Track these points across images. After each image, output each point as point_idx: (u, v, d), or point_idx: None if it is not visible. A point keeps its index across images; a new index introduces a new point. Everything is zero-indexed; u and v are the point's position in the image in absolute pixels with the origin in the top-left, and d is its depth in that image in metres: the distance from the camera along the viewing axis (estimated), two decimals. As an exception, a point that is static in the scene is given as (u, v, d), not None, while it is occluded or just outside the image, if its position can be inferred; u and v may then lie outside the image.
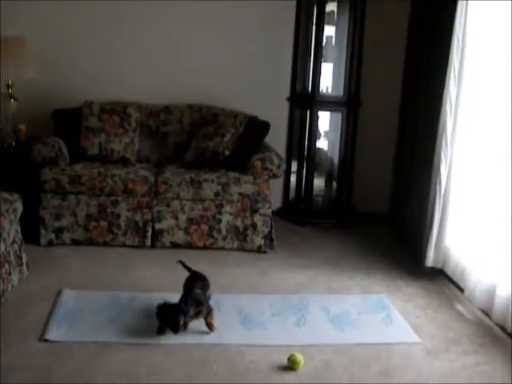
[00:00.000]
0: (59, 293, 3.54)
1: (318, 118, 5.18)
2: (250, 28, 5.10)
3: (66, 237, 4.33)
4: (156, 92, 5.02)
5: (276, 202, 5.17)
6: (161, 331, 3.10)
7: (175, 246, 4.39)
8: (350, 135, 5.15)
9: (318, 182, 5.36)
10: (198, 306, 3.15)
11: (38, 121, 4.80)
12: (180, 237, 4.39)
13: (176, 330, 3.03)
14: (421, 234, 4.23)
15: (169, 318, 3.05)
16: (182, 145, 4.80)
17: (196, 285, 3.27)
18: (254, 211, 4.42)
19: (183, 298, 3.14)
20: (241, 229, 4.43)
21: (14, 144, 4.66)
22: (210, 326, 3.19)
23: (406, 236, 4.66)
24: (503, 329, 3.34)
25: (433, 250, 4.07)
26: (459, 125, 3.92)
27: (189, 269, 3.44)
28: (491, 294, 3.46)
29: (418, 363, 3.02)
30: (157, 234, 4.38)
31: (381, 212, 5.21)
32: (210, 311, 3.21)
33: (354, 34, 4.99)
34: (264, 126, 4.76)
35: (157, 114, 4.88)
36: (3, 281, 3.36)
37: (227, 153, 4.55)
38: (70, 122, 4.67)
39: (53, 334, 3.06)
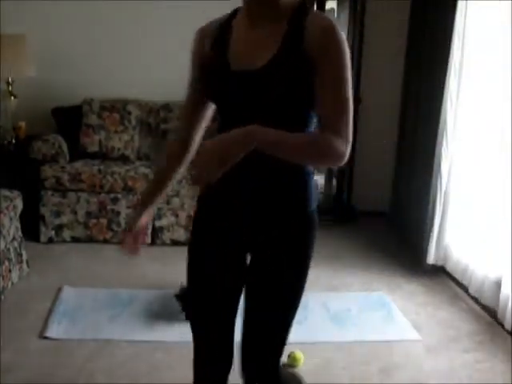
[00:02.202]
0: (59, 290, 3.54)
1: (318, 115, 5.17)
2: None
3: (66, 234, 4.33)
4: (156, 89, 5.01)
5: (276, 199, 5.16)
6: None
7: (175, 243, 4.39)
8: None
9: (318, 180, 5.36)
10: None
11: (38, 118, 4.80)
12: (180, 234, 4.39)
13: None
14: (421, 231, 4.23)
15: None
16: (182, 142, 4.79)
17: None
18: (254, 209, 4.41)
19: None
20: (241, 226, 4.42)
21: (14, 141, 4.65)
22: None
23: (406, 233, 4.66)
24: (503, 326, 3.35)
25: (434, 248, 4.07)
26: (460, 122, 3.92)
27: None
28: (494, 291, 3.45)
29: (418, 361, 3.02)
30: (157, 232, 4.38)
31: (381, 209, 5.21)
32: None
33: (354, 32, 4.98)
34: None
35: (157, 111, 4.88)
36: (3, 278, 3.36)
37: (227, 150, 4.54)
38: (69, 119, 4.68)
39: (53, 332, 3.06)
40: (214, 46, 1.67)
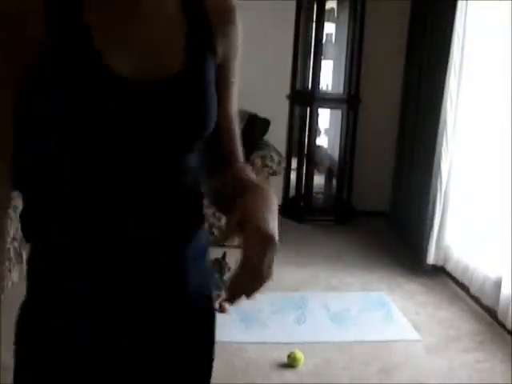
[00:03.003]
0: (59, 290, 3.54)
1: (318, 115, 5.18)
2: (250, 25, 5.05)
3: (66, 234, 4.32)
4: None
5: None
6: None
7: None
8: (350, 132, 5.14)
9: (318, 180, 5.36)
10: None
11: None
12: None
13: None
14: (422, 231, 4.23)
15: None
16: (182, 142, 4.80)
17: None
18: (254, 208, 4.40)
19: None
20: (241, 226, 4.41)
21: (13, 141, 4.65)
22: None
23: (406, 233, 4.66)
24: (503, 326, 3.35)
25: (434, 248, 4.07)
26: (460, 122, 3.92)
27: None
28: (495, 291, 3.45)
29: (418, 361, 3.03)
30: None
31: (381, 209, 5.21)
32: None
33: (354, 32, 4.98)
34: (264, 124, 4.75)
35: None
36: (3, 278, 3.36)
37: (227, 150, 4.53)
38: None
39: (53, 332, 3.05)
40: (54, 29, 0.93)
